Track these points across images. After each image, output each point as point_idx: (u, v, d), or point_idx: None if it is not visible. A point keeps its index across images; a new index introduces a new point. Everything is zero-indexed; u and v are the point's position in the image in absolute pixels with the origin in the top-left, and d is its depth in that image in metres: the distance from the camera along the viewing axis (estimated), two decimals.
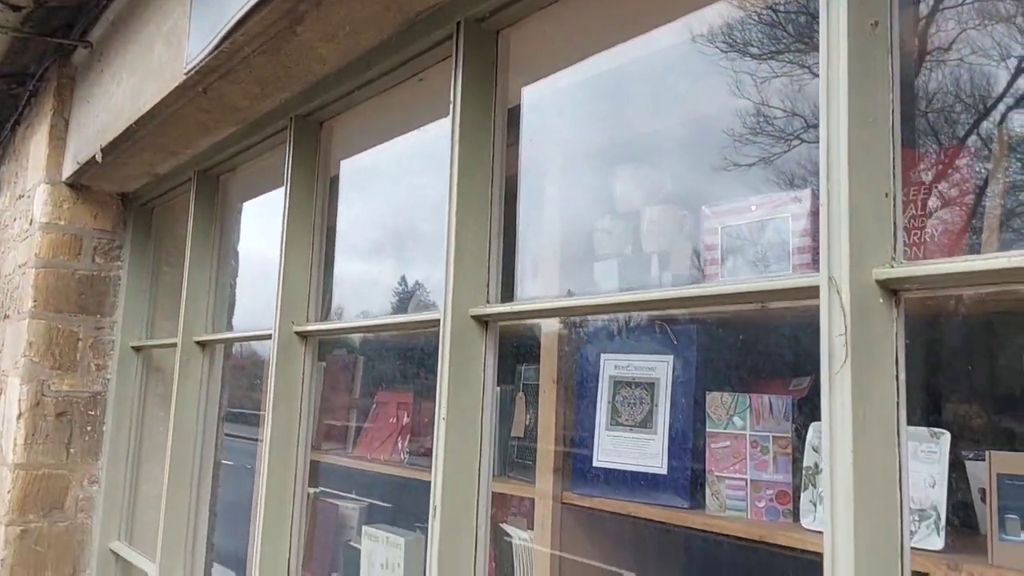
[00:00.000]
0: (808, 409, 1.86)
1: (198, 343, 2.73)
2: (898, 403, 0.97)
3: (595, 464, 2.12)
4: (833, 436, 0.95)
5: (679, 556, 2.18)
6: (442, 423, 1.53)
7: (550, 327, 2.27)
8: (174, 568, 2.63)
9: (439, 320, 1.59)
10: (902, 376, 0.98)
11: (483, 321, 1.58)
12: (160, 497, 3.04)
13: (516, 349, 2.67)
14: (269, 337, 2.19)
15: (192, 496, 2.72)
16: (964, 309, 1.54)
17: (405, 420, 3.02)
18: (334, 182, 2.44)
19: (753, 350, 2.07)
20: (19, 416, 3.03)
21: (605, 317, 2.23)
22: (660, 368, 2.09)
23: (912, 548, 1.49)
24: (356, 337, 3.43)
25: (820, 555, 1.25)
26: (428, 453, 2.95)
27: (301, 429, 2.15)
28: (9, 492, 2.98)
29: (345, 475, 3.37)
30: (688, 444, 1.99)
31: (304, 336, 2.17)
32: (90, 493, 3.14)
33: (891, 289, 0.98)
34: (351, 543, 3.06)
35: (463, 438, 1.55)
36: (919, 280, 0.95)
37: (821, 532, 1.60)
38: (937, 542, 1.47)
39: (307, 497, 2.85)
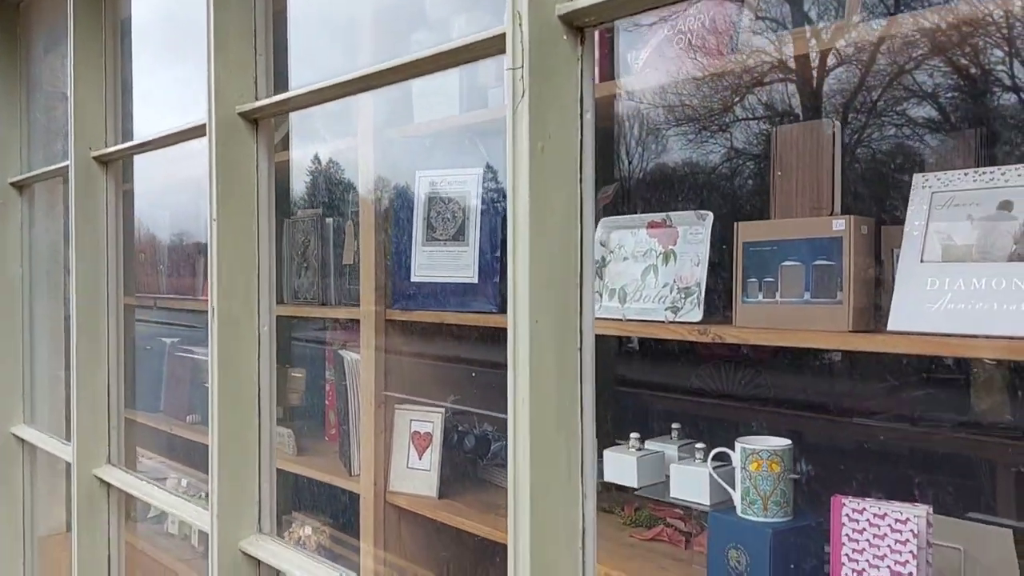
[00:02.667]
0: (609, 212, 1.90)
1: (13, 184, 2.59)
2: (582, 141, 0.99)
3: (413, 279, 2.15)
4: (515, 173, 0.97)
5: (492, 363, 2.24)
6: (213, 224, 1.51)
7: (367, 150, 2.22)
8: (12, 416, 2.60)
9: (205, 124, 1.53)
10: (588, 116, 0.99)
11: (252, 119, 1.53)
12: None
13: (348, 178, 2.64)
14: (66, 169, 2.08)
15: (25, 346, 2.65)
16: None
17: None
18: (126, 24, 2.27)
19: None
20: None
21: (419, 134, 2.20)
22: (471, 181, 2.09)
23: (677, 322, 1.58)
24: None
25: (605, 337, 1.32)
26: None
27: (109, 263, 2.08)
28: None
29: (201, 323, 3.34)
30: (496, 252, 2.02)
31: (104, 162, 2.07)
32: None
33: (575, 26, 0.98)
34: (206, 384, 3.06)
35: (238, 239, 1.53)
36: (595, 11, 0.95)
37: (606, 319, 1.67)
38: (697, 314, 1.55)
39: (129, 340, 2.78)
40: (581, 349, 0.98)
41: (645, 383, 2.15)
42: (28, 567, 2.66)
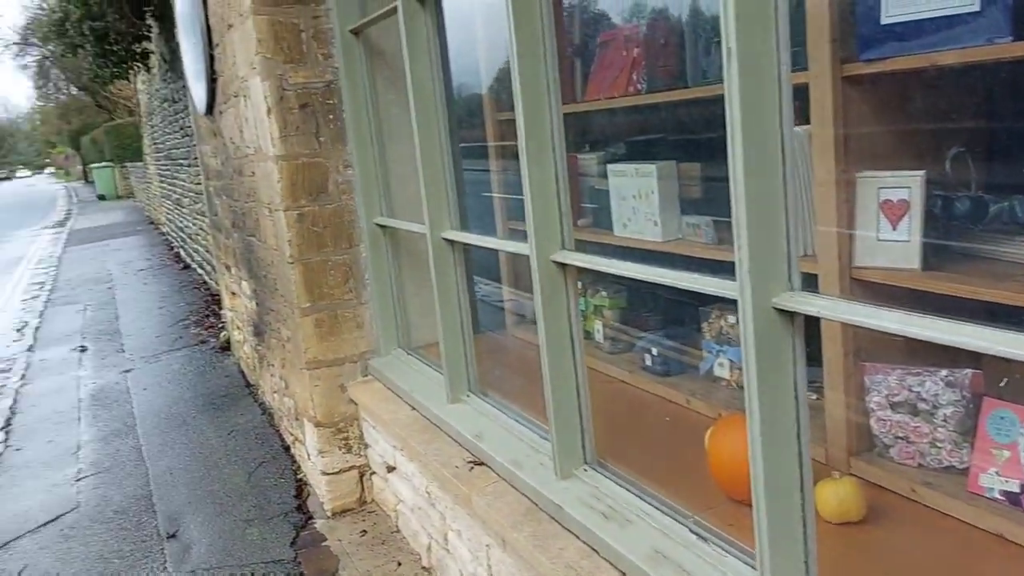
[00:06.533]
0: None
1: None
2: None
3: (883, 22, 1.84)
4: None
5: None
6: None
7: None
8: (442, 223, 2.77)
9: None
10: None
11: None
12: (408, 174, 3.20)
13: None
14: None
15: (445, 156, 2.78)
16: None
17: (635, 52, 2.84)
18: None
19: None
20: (268, 112, 3.18)
21: None
22: None
23: None
24: None
25: None
26: (671, 74, 2.78)
27: (548, 64, 2.02)
28: (279, 182, 3.22)
29: (578, 125, 3.32)
30: None
31: None
32: (347, 177, 3.33)
33: None
34: (595, 187, 3.06)
35: None
36: None
37: None
38: None
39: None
40: None
41: None
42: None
